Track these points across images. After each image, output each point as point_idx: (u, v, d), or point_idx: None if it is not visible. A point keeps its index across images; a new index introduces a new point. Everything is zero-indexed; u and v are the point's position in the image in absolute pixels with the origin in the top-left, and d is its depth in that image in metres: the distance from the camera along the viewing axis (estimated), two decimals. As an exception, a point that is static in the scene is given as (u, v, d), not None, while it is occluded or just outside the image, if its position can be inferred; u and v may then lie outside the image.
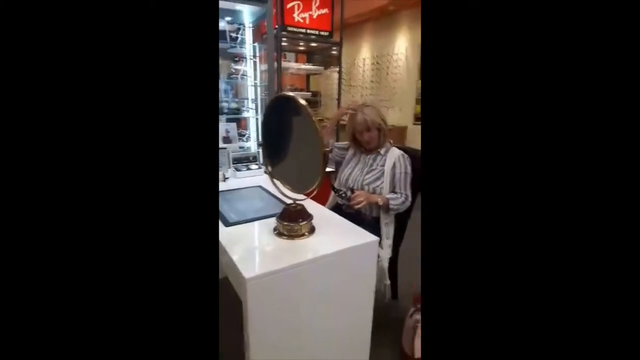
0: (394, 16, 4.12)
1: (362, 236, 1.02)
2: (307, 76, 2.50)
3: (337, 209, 1.60)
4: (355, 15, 4.25)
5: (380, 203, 1.40)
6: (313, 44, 2.18)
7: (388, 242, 1.47)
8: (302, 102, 0.89)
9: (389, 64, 4.31)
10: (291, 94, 0.98)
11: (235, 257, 0.86)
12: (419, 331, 1.28)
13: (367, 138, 1.46)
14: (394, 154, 1.47)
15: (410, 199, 1.45)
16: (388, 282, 1.45)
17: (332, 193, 1.60)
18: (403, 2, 3.63)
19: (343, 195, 1.45)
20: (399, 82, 4.19)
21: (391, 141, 1.56)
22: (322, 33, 2.05)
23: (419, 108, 3.91)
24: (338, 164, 1.68)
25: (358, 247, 0.98)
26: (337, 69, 2.26)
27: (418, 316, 1.32)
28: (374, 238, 1.01)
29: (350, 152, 1.61)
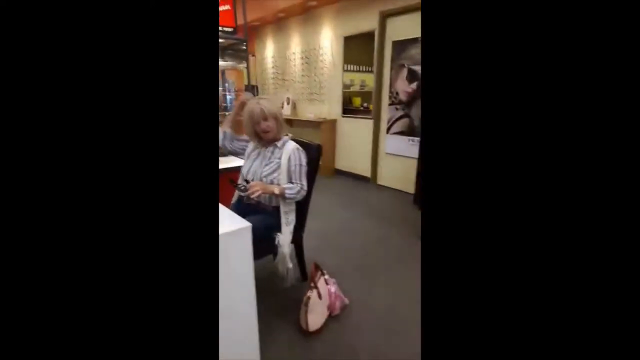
0: (316, 11, 4.23)
1: (234, 224, 1.10)
2: (222, 72, 2.51)
3: (238, 202, 1.67)
4: (280, 10, 4.29)
5: (277, 192, 1.48)
6: (220, 40, 2.19)
7: (288, 229, 1.57)
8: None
9: (316, 58, 4.43)
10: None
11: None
12: (310, 306, 1.40)
13: (264, 127, 1.51)
14: (290, 147, 1.56)
15: (305, 187, 1.55)
16: (290, 265, 1.54)
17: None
18: (324, -2, 3.74)
19: (241, 188, 1.52)
20: (327, 76, 4.32)
21: (288, 134, 1.65)
22: (226, 29, 2.07)
23: (345, 101, 4.09)
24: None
25: (232, 233, 1.06)
26: (246, 64, 2.31)
27: (309, 293, 1.44)
28: (247, 224, 1.09)
29: (251, 146, 1.67)
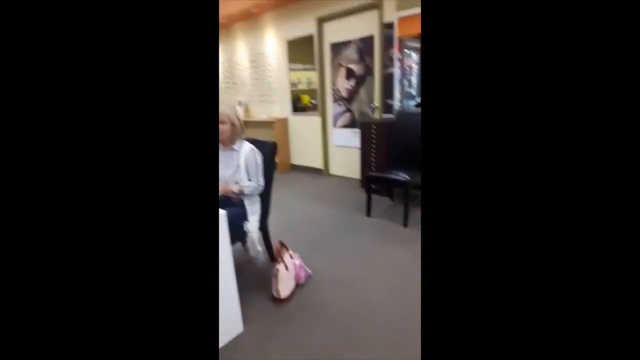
0: (259, 18, 4.45)
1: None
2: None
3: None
4: (226, 17, 4.43)
5: (236, 190, 1.74)
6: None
7: (254, 218, 1.83)
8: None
9: (263, 61, 4.65)
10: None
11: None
12: (279, 277, 1.69)
13: (220, 129, 1.72)
14: (246, 149, 1.79)
15: (262, 183, 1.81)
16: (259, 249, 1.82)
17: None
18: (264, 4, 3.96)
19: None
20: (274, 77, 4.57)
21: (242, 137, 1.88)
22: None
23: (294, 100, 4.37)
24: None
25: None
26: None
27: (277, 266, 1.73)
28: (222, 212, 1.35)
29: None
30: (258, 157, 1.81)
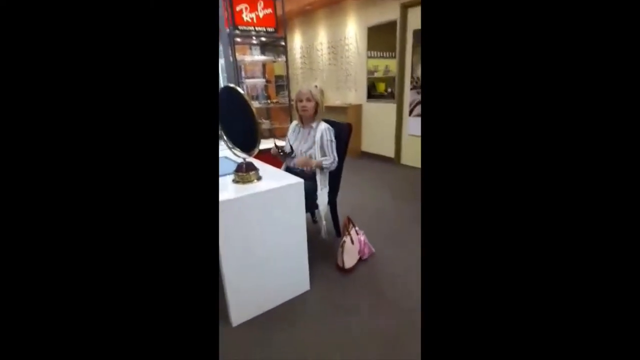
0: (341, 4, 4.53)
1: (291, 180, 1.51)
2: (263, 65, 2.92)
3: (288, 169, 2.09)
4: (308, 4, 4.62)
5: (315, 165, 1.89)
6: (263, 39, 2.59)
7: (324, 192, 1.97)
8: (240, 90, 1.35)
9: (342, 47, 4.74)
10: (232, 85, 1.43)
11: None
12: (345, 249, 1.81)
13: (303, 105, 1.90)
14: (322, 127, 1.94)
15: (336, 159, 1.94)
16: (324, 222, 1.96)
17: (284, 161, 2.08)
18: (349, -9, 4.03)
19: (281, 152, 1.95)
20: (352, 64, 4.64)
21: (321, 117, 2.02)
22: (269, 29, 2.47)
23: (370, 87, 4.40)
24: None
25: (287, 186, 1.47)
26: (285, 58, 2.71)
27: (344, 238, 1.84)
28: (300, 180, 1.50)
29: (291, 126, 2.08)
30: (332, 135, 1.94)
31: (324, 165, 1.90)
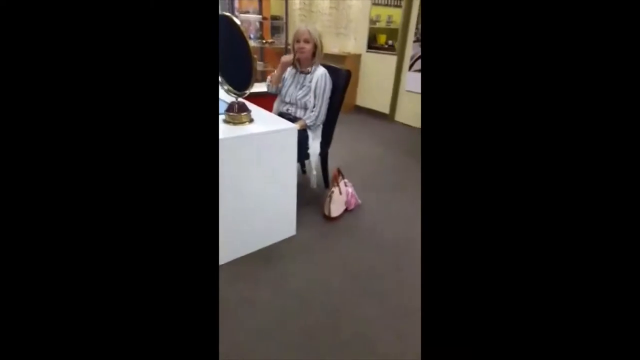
0: (351, -63, 4.11)
1: (284, 125, 1.47)
2: (260, 1, 2.69)
3: (281, 115, 2.02)
4: None
5: (300, 127, 1.77)
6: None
7: (316, 142, 1.94)
8: (237, 21, 1.25)
9: (346, -10, 4.40)
10: (228, 14, 1.32)
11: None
12: (333, 198, 1.83)
13: (300, 46, 1.78)
14: (319, 72, 1.84)
15: (323, 113, 1.86)
16: (314, 172, 1.96)
17: (275, 102, 2.00)
18: None
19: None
20: (354, 9, 4.34)
21: (319, 62, 1.91)
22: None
23: (370, 38, 4.17)
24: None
25: (280, 131, 1.44)
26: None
27: (333, 188, 1.86)
28: (292, 125, 1.47)
29: (288, 72, 1.97)
30: (328, 84, 1.85)
31: (307, 124, 1.85)
